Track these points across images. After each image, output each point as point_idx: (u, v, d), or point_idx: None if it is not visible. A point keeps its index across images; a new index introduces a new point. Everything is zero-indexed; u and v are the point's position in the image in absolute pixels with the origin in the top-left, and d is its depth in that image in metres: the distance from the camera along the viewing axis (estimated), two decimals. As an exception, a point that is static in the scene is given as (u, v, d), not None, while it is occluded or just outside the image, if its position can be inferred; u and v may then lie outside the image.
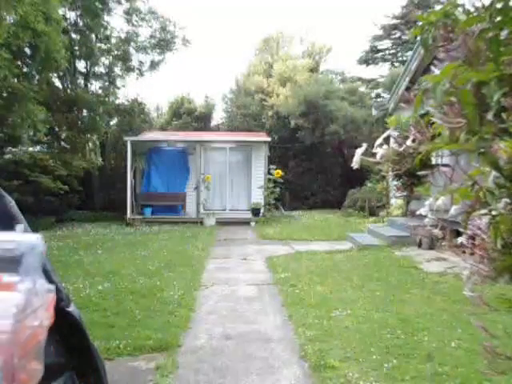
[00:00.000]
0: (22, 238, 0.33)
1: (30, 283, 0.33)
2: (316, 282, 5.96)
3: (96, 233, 10.97)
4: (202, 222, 12.62)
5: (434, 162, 7.11)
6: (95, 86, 16.64)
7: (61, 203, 12.76)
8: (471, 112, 0.95)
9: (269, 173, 13.17)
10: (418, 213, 1.33)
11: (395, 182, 9.84)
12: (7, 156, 12.22)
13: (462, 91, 0.96)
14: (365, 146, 1.28)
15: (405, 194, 9.51)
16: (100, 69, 16.41)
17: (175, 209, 13.58)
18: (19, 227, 0.35)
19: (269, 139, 13.84)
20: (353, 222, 12.45)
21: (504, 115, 0.96)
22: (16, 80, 10.40)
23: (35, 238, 0.34)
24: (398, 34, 23.75)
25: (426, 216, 1.28)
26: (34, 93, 10.62)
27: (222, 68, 49.77)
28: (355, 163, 1.28)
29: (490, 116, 0.95)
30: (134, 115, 16.62)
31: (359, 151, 1.27)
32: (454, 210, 1.11)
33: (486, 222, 1.02)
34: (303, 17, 45.45)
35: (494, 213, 1.01)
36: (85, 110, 15.34)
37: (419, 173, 1.22)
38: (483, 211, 1.03)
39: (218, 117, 21.83)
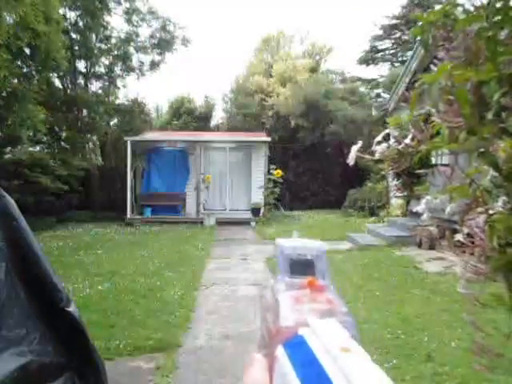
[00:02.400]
0: (311, 245, 0.36)
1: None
2: (316, 282, 5.96)
3: (96, 233, 10.97)
4: (202, 222, 12.61)
5: (434, 161, 7.12)
6: (95, 85, 16.66)
7: (61, 203, 12.75)
8: (469, 111, 0.95)
9: (269, 173, 13.16)
10: (414, 210, 1.34)
11: (395, 182, 9.85)
12: (7, 156, 12.22)
13: (460, 90, 0.96)
14: (360, 142, 1.29)
15: (405, 193, 9.52)
16: (100, 69, 16.41)
17: (175, 209, 13.58)
18: (296, 233, 0.38)
19: (269, 139, 13.83)
20: (353, 222, 12.44)
21: (504, 115, 0.96)
22: (16, 80, 10.40)
23: (320, 245, 0.36)
24: (398, 34, 23.75)
25: (422, 214, 1.28)
26: (34, 93, 10.62)
27: (221, 68, 49.83)
28: (351, 159, 1.29)
29: (489, 115, 0.95)
30: (134, 115, 16.61)
31: (355, 148, 1.28)
32: (449, 208, 1.11)
33: (483, 221, 1.02)
34: (303, 17, 45.50)
35: (490, 211, 1.01)
36: (85, 110, 15.34)
37: (418, 171, 1.23)
38: (480, 210, 1.03)
39: (218, 117, 21.85)
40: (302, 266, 0.35)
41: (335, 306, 0.32)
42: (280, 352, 0.29)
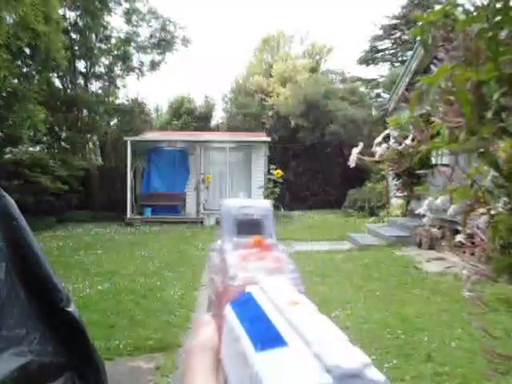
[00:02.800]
0: (257, 204, 0.34)
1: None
2: (316, 282, 5.96)
3: (96, 233, 10.97)
4: (202, 222, 12.62)
5: (434, 161, 7.12)
6: (95, 85, 16.67)
7: (61, 203, 12.75)
8: (469, 111, 0.95)
9: (269, 173, 13.15)
10: (416, 212, 1.34)
11: (395, 182, 9.86)
12: (7, 156, 12.22)
13: (460, 90, 0.96)
14: (361, 144, 1.29)
15: (405, 193, 9.53)
16: (100, 69, 16.43)
17: (175, 209, 13.58)
18: (242, 194, 0.33)
19: (269, 139, 13.84)
20: (353, 222, 12.44)
21: (503, 114, 0.96)
22: (16, 80, 10.40)
23: (267, 204, 0.35)
24: (398, 34, 23.75)
25: (424, 215, 1.28)
26: (34, 93, 10.62)
27: (222, 68, 49.87)
28: (352, 162, 1.29)
29: (489, 115, 0.95)
30: (134, 115, 16.62)
31: (356, 150, 1.28)
32: (452, 209, 1.11)
33: (485, 222, 1.02)
34: (303, 17, 45.54)
35: (492, 212, 1.01)
36: (85, 110, 15.34)
37: (418, 172, 1.23)
38: (482, 210, 1.03)
39: (218, 117, 21.85)
40: (248, 226, 0.34)
41: (283, 264, 0.32)
42: (228, 310, 0.28)
